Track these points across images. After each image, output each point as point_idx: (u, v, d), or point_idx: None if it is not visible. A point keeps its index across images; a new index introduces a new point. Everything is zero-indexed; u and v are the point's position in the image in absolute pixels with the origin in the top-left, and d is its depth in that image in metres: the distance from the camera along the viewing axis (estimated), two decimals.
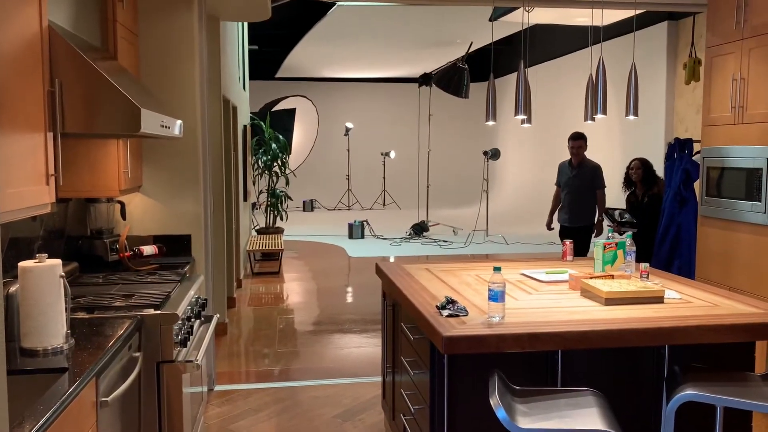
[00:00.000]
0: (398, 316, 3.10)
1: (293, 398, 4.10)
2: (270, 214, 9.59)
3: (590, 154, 6.25)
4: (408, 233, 11.27)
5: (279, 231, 9.39)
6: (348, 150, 16.98)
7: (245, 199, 7.93)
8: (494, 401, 1.93)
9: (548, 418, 1.96)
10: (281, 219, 9.62)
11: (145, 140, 3.83)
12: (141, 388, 2.61)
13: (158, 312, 2.62)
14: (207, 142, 4.14)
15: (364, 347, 5.19)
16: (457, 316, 2.40)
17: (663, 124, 8.56)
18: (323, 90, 17.38)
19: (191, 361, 2.68)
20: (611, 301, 2.59)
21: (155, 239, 3.94)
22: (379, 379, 4.36)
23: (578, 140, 6.05)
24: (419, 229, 11.39)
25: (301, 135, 17.22)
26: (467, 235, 10.74)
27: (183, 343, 2.72)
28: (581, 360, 2.47)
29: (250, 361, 4.92)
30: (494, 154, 10.81)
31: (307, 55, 13.44)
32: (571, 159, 6.10)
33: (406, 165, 17.15)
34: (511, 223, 12.28)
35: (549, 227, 6.44)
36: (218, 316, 3.41)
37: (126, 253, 3.53)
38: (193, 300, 3.21)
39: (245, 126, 7.91)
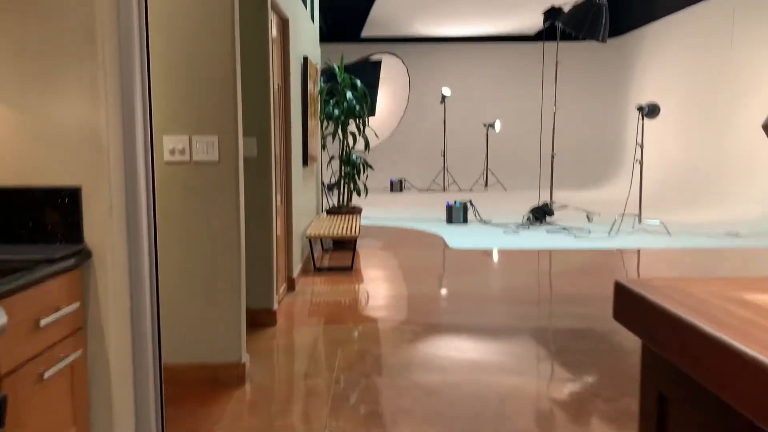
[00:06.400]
0: None
1: None
2: (344, 187, 7.15)
3: None
4: (527, 218, 8.54)
5: (355, 211, 6.94)
6: (444, 121, 14.33)
7: (305, 164, 5.53)
8: None
9: None
10: (358, 195, 7.16)
11: None
12: None
13: None
14: None
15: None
16: None
17: None
18: (415, 52, 14.79)
19: None
20: None
21: None
22: None
23: None
24: (541, 213, 8.62)
25: (388, 99, 14.75)
26: (612, 221, 7.86)
27: None
28: None
29: None
30: (651, 110, 7.83)
31: (396, 5, 10.91)
32: None
33: (514, 138, 14.32)
34: (664, 206, 9.25)
35: None
36: None
37: None
38: None
39: (305, 59, 5.49)
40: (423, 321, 4.22)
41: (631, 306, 0.92)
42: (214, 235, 2.98)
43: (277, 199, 4.29)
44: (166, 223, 2.97)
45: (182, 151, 3.00)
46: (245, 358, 3.11)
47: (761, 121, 8.27)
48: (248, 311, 3.59)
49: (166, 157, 2.99)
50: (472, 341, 3.84)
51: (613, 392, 2.98)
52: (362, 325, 4.13)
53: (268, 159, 3.81)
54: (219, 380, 2.99)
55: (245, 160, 3.54)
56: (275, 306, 4.02)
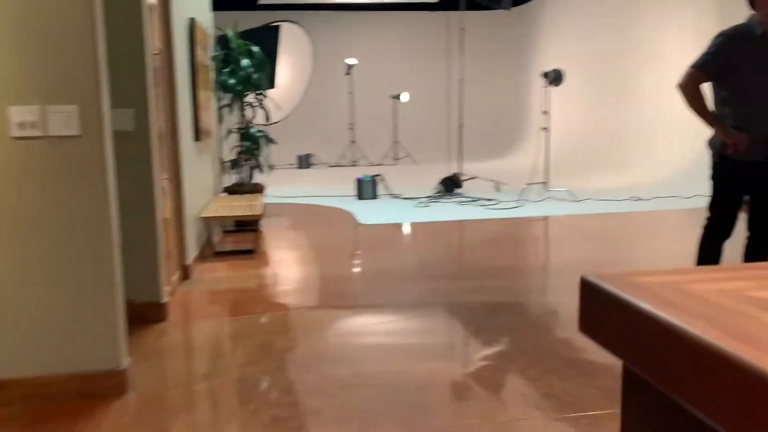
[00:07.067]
0: None
1: None
2: (245, 164, 6.67)
3: None
4: (437, 190, 8.40)
5: (258, 189, 6.50)
6: (350, 93, 13.95)
7: (198, 138, 5.03)
8: None
9: None
10: (260, 171, 6.71)
11: None
12: None
13: None
14: None
15: None
16: None
17: None
18: (317, 19, 14.26)
19: None
20: None
21: None
22: None
23: None
24: (450, 184, 8.51)
25: (291, 71, 14.18)
26: (520, 190, 7.85)
27: None
28: None
29: None
30: (556, 77, 7.84)
31: None
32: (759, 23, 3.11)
33: (422, 110, 14.19)
34: (571, 173, 9.39)
35: (732, 144, 3.23)
36: None
37: None
38: None
39: (192, 21, 4.95)
40: (334, 304, 3.92)
41: (608, 315, 0.63)
42: (78, 221, 2.52)
43: (163, 178, 3.82)
44: (16, 209, 2.47)
45: (33, 125, 2.49)
46: (126, 362, 2.68)
47: (663, 87, 8.50)
48: (131, 306, 3.15)
49: (14, 131, 2.48)
50: (387, 324, 3.58)
51: (537, 371, 2.82)
52: (268, 313, 3.77)
53: (146, 133, 3.33)
54: (93, 392, 2.56)
55: (119, 134, 3.05)
56: (165, 298, 3.58)
